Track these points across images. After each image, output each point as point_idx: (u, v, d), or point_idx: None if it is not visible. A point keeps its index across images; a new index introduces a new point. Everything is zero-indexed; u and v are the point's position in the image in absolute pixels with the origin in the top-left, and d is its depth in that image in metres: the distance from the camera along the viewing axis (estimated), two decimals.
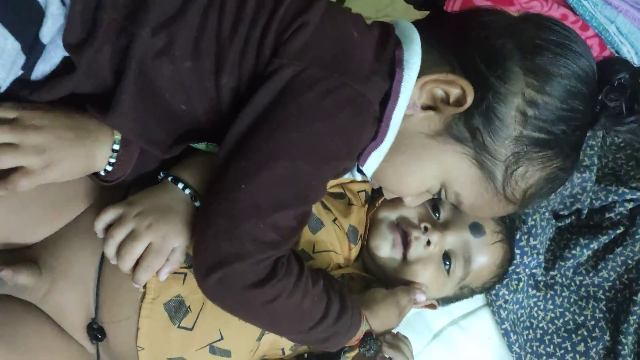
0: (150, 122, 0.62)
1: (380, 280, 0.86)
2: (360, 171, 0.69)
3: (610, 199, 1.02)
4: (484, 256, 0.86)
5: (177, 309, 0.72)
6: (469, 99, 0.60)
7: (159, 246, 0.62)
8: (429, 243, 0.82)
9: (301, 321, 0.63)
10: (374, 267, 0.88)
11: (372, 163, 0.66)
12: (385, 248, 0.84)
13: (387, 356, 0.75)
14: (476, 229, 0.85)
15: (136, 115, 0.60)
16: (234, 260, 0.55)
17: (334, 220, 0.83)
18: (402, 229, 0.84)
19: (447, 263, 0.83)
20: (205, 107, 0.61)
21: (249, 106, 0.57)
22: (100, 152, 0.64)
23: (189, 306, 0.72)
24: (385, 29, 0.65)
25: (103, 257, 0.72)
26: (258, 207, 0.55)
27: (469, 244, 0.84)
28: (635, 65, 0.67)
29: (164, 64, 0.56)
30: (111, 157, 0.65)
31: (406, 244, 0.83)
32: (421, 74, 0.62)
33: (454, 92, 0.61)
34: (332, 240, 0.82)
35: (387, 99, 0.62)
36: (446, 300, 0.90)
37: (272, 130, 0.56)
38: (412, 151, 0.65)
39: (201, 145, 0.69)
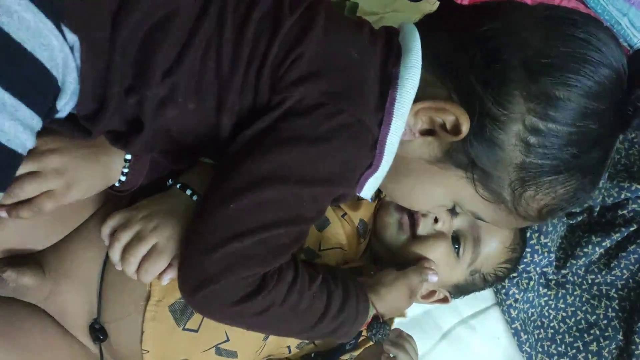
0: (158, 147, 0.62)
1: (391, 266, 0.85)
2: None
3: (623, 196, 1.00)
4: (493, 236, 0.84)
5: (182, 311, 0.71)
6: (464, 129, 0.56)
7: (163, 247, 0.62)
8: (436, 220, 0.81)
9: (301, 322, 0.61)
10: (382, 250, 0.86)
11: (369, 188, 0.64)
12: (393, 226, 0.83)
13: (390, 355, 0.73)
14: None
15: (146, 145, 0.60)
16: (221, 277, 0.54)
17: (343, 215, 0.82)
18: (409, 209, 0.83)
19: (457, 246, 0.82)
20: (210, 138, 0.60)
21: (248, 130, 0.57)
22: (115, 164, 0.65)
23: None
24: (389, 40, 0.61)
25: (106, 260, 0.72)
26: (246, 226, 0.54)
27: (477, 224, 0.82)
28: None
29: (169, 109, 0.56)
30: (124, 167, 0.66)
31: (413, 222, 0.82)
32: (417, 98, 0.58)
33: (449, 120, 0.58)
34: (340, 236, 0.81)
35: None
36: (458, 290, 0.87)
37: (265, 152, 0.55)
38: (416, 176, 0.63)
39: (208, 160, 0.69)
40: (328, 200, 0.59)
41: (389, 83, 0.58)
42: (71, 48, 0.50)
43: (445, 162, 0.60)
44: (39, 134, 0.60)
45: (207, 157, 0.68)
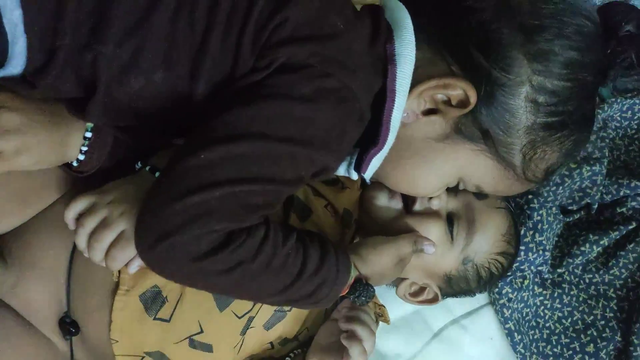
0: (123, 121, 0.60)
1: None
2: (357, 171, 0.66)
3: (621, 193, 0.98)
4: (488, 219, 0.80)
5: (153, 300, 0.70)
6: (472, 100, 0.58)
7: (131, 234, 0.59)
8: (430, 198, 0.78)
9: (274, 281, 0.57)
10: (372, 224, 0.81)
11: (372, 169, 0.65)
12: (383, 197, 0.80)
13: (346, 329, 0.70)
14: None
15: (106, 115, 0.58)
16: (183, 229, 0.50)
17: (326, 205, 0.80)
18: None
19: (451, 227, 0.78)
20: (181, 113, 0.58)
21: (230, 87, 0.55)
22: (73, 140, 0.63)
23: (166, 297, 0.70)
24: (376, 16, 0.61)
25: (74, 248, 0.71)
26: (215, 177, 0.51)
27: (471, 205, 0.80)
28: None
29: (132, 78, 0.54)
30: (83, 144, 0.63)
31: (406, 197, 0.79)
32: (416, 78, 0.59)
33: (455, 94, 0.59)
34: (323, 227, 0.78)
35: (380, 100, 0.59)
36: (448, 284, 0.83)
37: (246, 105, 0.53)
38: (423, 156, 0.64)
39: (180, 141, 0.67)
40: (308, 167, 0.57)
41: (384, 60, 0.59)
42: None
43: (454, 137, 0.61)
44: None
45: (178, 136, 0.65)
